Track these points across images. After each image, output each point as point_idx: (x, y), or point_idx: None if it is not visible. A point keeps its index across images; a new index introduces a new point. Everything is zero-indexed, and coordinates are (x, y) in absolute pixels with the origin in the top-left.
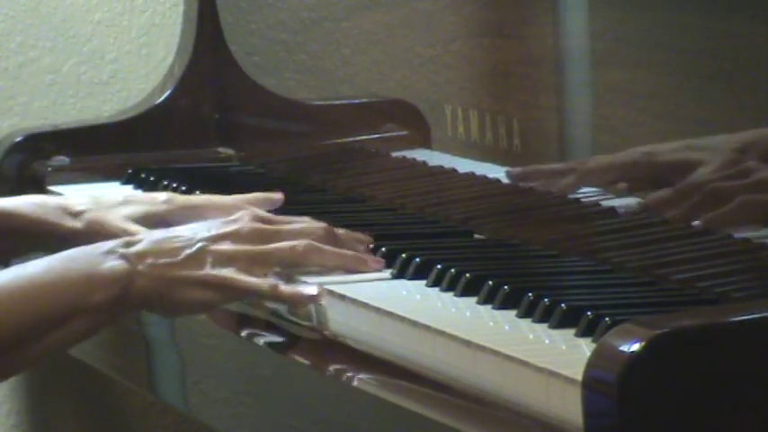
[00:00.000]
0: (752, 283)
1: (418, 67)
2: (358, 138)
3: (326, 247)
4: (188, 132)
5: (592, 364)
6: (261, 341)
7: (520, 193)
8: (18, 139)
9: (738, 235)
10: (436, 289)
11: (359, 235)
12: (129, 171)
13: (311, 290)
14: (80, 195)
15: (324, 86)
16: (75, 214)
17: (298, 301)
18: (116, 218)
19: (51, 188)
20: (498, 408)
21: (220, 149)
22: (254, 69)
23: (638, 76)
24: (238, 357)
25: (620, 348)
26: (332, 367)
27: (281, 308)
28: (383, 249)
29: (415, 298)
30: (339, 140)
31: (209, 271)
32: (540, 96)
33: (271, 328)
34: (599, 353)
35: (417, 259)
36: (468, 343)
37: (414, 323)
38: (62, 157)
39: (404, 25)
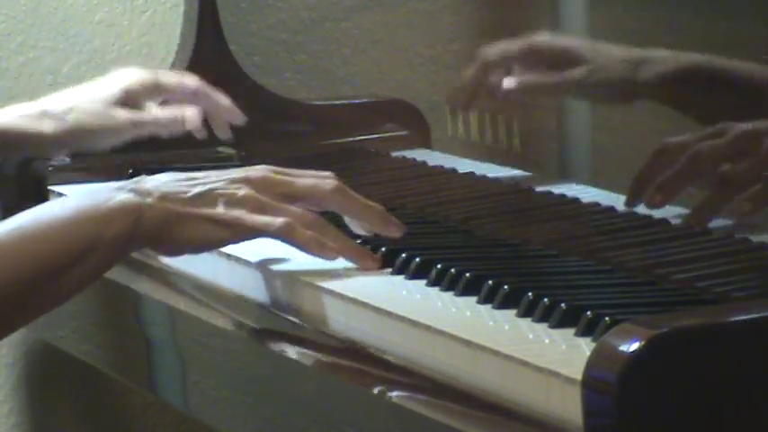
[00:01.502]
0: (752, 283)
1: (418, 67)
2: (358, 138)
3: (352, 192)
4: (188, 132)
5: (591, 364)
6: (261, 341)
7: (520, 193)
8: None
9: (738, 235)
10: (436, 289)
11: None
12: (130, 171)
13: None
14: (60, 99)
15: (324, 86)
16: (54, 116)
17: (311, 245)
18: (95, 106)
19: (52, 188)
20: (498, 407)
21: (220, 149)
22: (254, 69)
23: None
24: (238, 357)
25: (620, 348)
26: (331, 367)
27: (283, 308)
28: (383, 249)
29: (415, 298)
30: (339, 140)
31: (219, 209)
32: None
33: (271, 328)
34: (599, 352)
35: (417, 259)
36: (468, 343)
37: (414, 323)
38: (62, 157)
39: (404, 25)
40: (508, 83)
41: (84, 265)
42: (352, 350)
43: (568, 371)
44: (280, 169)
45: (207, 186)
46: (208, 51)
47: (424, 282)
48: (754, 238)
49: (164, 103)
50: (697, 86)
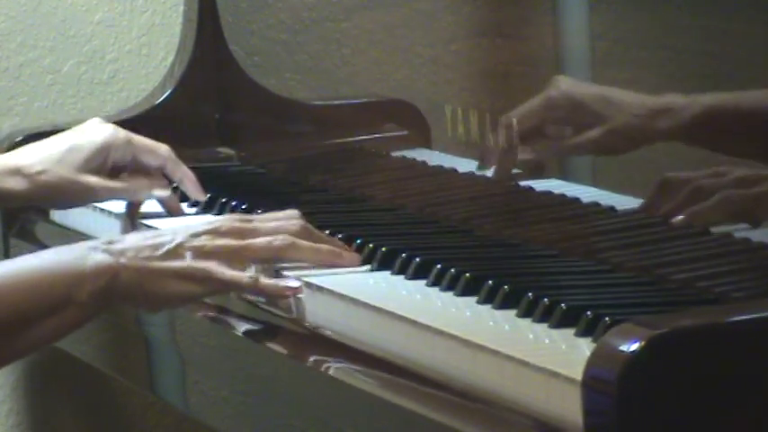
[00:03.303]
0: (752, 283)
1: (418, 67)
2: (358, 138)
3: (302, 242)
4: (188, 132)
5: (591, 364)
6: (261, 341)
7: (520, 193)
8: (18, 139)
9: (738, 235)
10: (436, 289)
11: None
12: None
13: (292, 282)
14: (34, 155)
15: (324, 86)
16: (27, 175)
17: (278, 294)
18: (68, 171)
19: None
20: (498, 407)
21: (220, 149)
22: (254, 69)
23: (638, 76)
24: (238, 357)
25: (620, 348)
26: (332, 367)
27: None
28: (383, 249)
29: (415, 298)
30: (339, 140)
31: (189, 263)
32: None
33: (271, 328)
34: (599, 352)
35: (417, 259)
36: (468, 343)
37: (414, 323)
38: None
39: (404, 25)
40: (525, 153)
41: (58, 318)
42: (352, 350)
43: (568, 371)
44: (244, 216)
45: (176, 242)
46: (208, 51)
47: (423, 282)
48: (754, 238)
49: (132, 162)
50: (718, 128)
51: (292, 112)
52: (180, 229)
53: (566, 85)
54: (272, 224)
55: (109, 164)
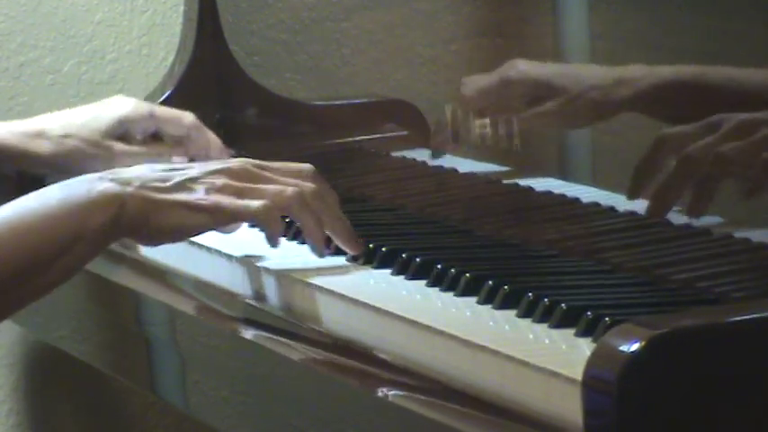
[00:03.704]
0: (752, 283)
1: (418, 67)
2: (358, 138)
3: (311, 204)
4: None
5: (592, 364)
6: (261, 341)
7: (520, 193)
8: None
9: (739, 235)
10: (436, 289)
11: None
12: None
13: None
14: (58, 120)
15: (324, 86)
16: (50, 138)
17: (279, 234)
18: (90, 135)
19: None
20: (498, 407)
21: None
22: (255, 69)
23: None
24: (238, 357)
25: (620, 348)
26: (331, 367)
27: (280, 308)
28: (383, 249)
29: (415, 298)
30: (339, 140)
31: (198, 195)
32: None
33: (271, 328)
34: (599, 352)
35: (417, 259)
36: (468, 343)
37: (414, 323)
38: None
39: (404, 25)
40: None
41: (69, 255)
42: (352, 350)
43: (568, 371)
44: (259, 162)
45: (186, 175)
46: (208, 51)
47: (424, 282)
48: (754, 238)
49: (154, 135)
50: (676, 99)
51: (292, 112)
52: (190, 166)
53: (524, 65)
54: (287, 179)
55: (134, 135)
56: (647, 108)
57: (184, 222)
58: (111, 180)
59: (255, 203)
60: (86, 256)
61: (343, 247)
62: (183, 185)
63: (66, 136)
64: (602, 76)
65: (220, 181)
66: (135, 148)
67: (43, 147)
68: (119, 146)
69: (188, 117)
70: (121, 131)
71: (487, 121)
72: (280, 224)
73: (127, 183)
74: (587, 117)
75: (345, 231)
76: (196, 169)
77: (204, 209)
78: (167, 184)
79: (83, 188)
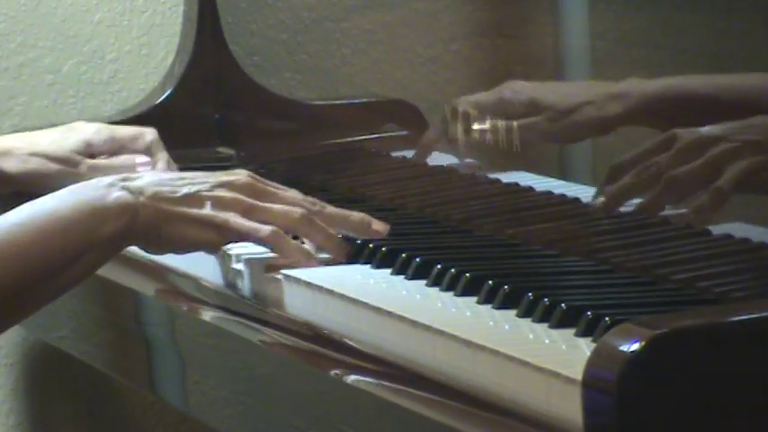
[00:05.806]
0: (752, 283)
1: (418, 67)
2: (358, 138)
3: (318, 223)
4: (188, 132)
5: (592, 364)
6: (261, 341)
7: (520, 193)
8: None
9: (738, 235)
10: (436, 289)
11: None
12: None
13: (309, 247)
14: (25, 140)
15: (324, 86)
16: (18, 156)
17: (294, 253)
18: (57, 152)
19: None
20: (498, 407)
21: (220, 149)
22: (254, 69)
23: (638, 76)
24: (238, 357)
25: (620, 348)
26: (332, 367)
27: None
28: (383, 249)
29: (415, 298)
30: (339, 140)
31: (208, 211)
32: None
33: (271, 328)
34: (599, 352)
35: (417, 259)
36: (468, 343)
37: (414, 323)
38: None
39: (404, 25)
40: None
41: (80, 263)
42: (352, 350)
43: (568, 371)
44: (260, 179)
45: (195, 188)
46: (208, 51)
47: (423, 282)
48: (754, 238)
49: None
50: (668, 112)
51: (292, 112)
52: (196, 176)
53: (520, 86)
54: (289, 193)
55: (98, 156)
56: (643, 122)
57: (195, 237)
58: (123, 188)
59: (265, 230)
60: (96, 263)
61: (369, 237)
62: (193, 198)
63: (33, 154)
64: (594, 94)
65: (228, 195)
66: (103, 162)
67: (9, 165)
68: (84, 160)
69: (148, 135)
70: (88, 153)
71: (487, 123)
72: (290, 245)
73: (139, 192)
74: (584, 133)
75: (360, 225)
76: (203, 180)
77: (214, 225)
78: (178, 195)
79: (96, 195)
